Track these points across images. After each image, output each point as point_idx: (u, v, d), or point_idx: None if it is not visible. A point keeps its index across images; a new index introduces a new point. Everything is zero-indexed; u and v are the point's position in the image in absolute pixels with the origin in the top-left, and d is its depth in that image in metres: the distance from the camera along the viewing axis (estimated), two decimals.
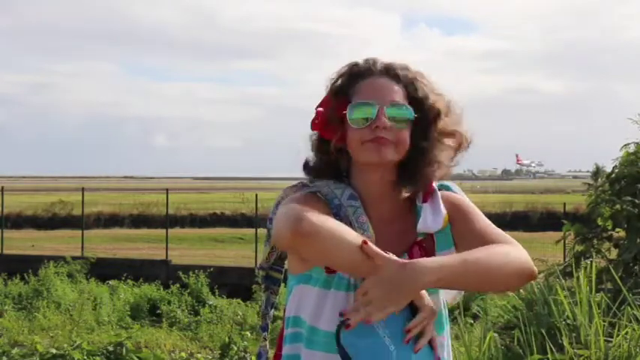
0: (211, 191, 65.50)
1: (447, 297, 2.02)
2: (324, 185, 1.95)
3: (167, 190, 28.17)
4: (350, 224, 1.86)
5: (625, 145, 7.42)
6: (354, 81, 1.96)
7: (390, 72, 1.97)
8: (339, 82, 1.98)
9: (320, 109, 1.97)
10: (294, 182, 2.01)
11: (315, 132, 1.99)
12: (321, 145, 1.98)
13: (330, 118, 1.94)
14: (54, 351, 8.57)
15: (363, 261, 1.75)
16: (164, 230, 23.95)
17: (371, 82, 1.96)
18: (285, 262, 2.06)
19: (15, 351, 8.98)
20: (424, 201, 1.97)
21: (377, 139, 1.90)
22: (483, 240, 1.92)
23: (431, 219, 1.96)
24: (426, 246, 1.96)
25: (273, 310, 2.05)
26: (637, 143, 7.39)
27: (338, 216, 1.88)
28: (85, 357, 8.55)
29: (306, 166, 2.02)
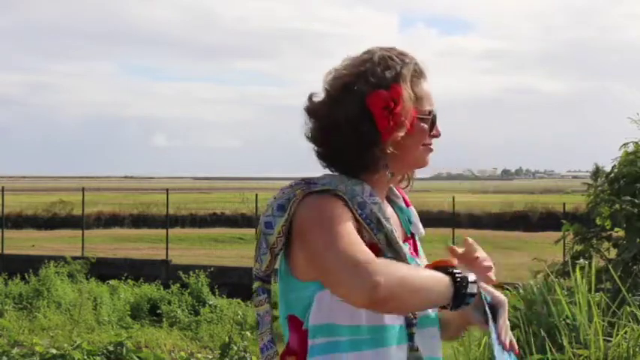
0: (211, 191, 65.49)
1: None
2: (338, 182, 1.86)
3: (167, 190, 28.22)
4: (378, 220, 1.84)
5: (624, 144, 7.43)
6: (415, 79, 1.92)
7: (426, 75, 1.98)
8: (408, 78, 1.90)
9: (393, 98, 1.85)
10: (292, 182, 1.90)
11: (368, 121, 1.85)
12: (374, 136, 1.86)
13: (407, 115, 1.87)
14: (54, 351, 8.57)
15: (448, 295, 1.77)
16: (164, 230, 23.98)
17: (427, 85, 1.95)
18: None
19: (15, 351, 8.98)
20: (406, 204, 2.04)
21: (431, 146, 1.96)
22: None
23: (420, 224, 2.05)
24: (414, 243, 2.03)
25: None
26: (636, 143, 7.39)
27: (363, 214, 1.83)
28: (85, 357, 8.55)
29: (344, 159, 1.90)
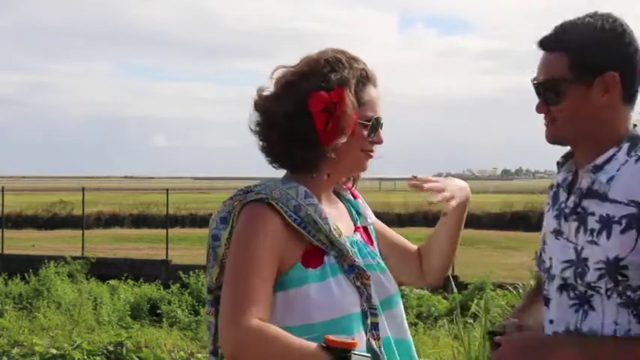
0: (211, 191, 65.44)
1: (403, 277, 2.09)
2: (273, 187, 1.89)
3: (167, 190, 28.23)
4: (314, 222, 1.86)
5: None
6: (361, 85, 1.94)
7: (376, 82, 2.01)
8: (352, 82, 1.91)
9: (329, 100, 1.87)
10: (233, 192, 1.95)
11: (309, 121, 1.88)
12: (310, 136, 1.89)
13: (347, 119, 1.89)
14: (54, 351, 8.58)
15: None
16: (164, 230, 23.97)
17: (375, 92, 1.97)
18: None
19: (15, 351, 8.99)
20: (354, 197, 2.10)
21: (371, 152, 1.98)
22: (400, 241, 2.14)
23: (370, 213, 2.10)
24: (365, 232, 2.07)
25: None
26: None
27: (297, 218, 1.86)
28: (85, 357, 8.56)
29: (287, 159, 1.94)
